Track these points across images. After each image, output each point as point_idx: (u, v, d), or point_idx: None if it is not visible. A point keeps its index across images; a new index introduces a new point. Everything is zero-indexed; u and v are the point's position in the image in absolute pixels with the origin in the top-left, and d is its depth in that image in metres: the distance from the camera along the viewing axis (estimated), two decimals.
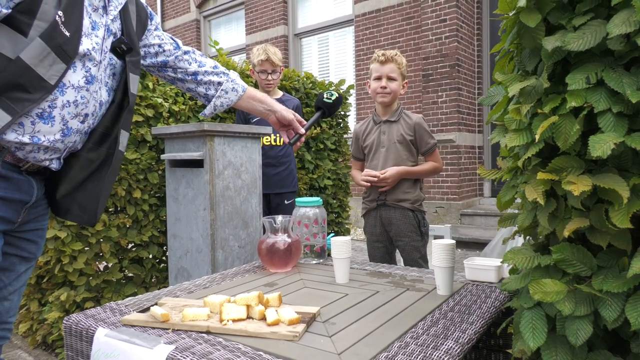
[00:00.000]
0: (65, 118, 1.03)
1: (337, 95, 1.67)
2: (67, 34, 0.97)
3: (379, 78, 2.14)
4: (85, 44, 1.03)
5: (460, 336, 0.93)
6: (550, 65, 0.74)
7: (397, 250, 2.28)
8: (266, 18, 7.32)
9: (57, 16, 0.94)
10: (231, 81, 1.47)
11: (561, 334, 0.74)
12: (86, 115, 1.08)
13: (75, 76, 1.03)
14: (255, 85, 2.78)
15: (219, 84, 1.45)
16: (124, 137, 1.18)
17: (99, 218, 1.18)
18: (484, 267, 1.35)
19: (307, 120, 1.63)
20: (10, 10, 0.89)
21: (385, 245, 2.22)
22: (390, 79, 2.12)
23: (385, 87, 2.12)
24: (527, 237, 0.93)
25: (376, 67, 2.15)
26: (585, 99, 0.68)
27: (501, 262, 0.85)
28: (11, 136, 0.96)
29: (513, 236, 0.98)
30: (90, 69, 1.06)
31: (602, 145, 0.63)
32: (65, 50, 0.97)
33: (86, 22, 1.04)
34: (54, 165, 1.09)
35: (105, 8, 1.10)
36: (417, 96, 5.60)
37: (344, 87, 3.57)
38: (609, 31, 0.64)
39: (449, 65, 5.20)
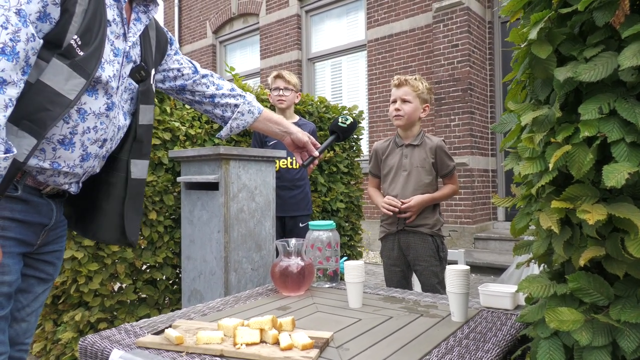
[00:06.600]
0: (85, 144, 1.05)
1: (351, 120, 1.70)
2: (81, 53, 0.98)
3: (394, 101, 2.18)
4: (107, 71, 1.05)
5: None
6: (562, 95, 0.76)
7: (414, 275, 2.26)
8: (280, 43, 7.48)
9: (72, 40, 0.96)
10: (247, 103, 1.49)
11: None
12: (105, 140, 1.11)
13: (97, 103, 1.05)
14: (271, 108, 2.84)
15: (236, 106, 1.47)
16: (134, 166, 1.20)
17: (112, 240, 1.20)
18: (499, 293, 1.33)
19: (321, 143, 1.65)
20: (41, 41, 0.93)
21: (402, 269, 2.21)
22: (404, 101, 2.15)
23: (398, 110, 2.15)
24: (542, 265, 0.93)
25: (393, 91, 2.21)
26: (598, 129, 0.68)
27: (516, 291, 0.84)
28: (32, 162, 0.98)
29: (527, 263, 0.98)
30: (111, 95, 1.08)
31: (616, 175, 0.63)
32: (81, 65, 0.98)
33: (107, 49, 1.06)
34: (73, 189, 1.11)
35: (125, 35, 1.12)
36: (429, 120, 5.63)
37: (356, 112, 3.62)
38: (620, 63, 0.65)
39: (461, 89, 5.24)
